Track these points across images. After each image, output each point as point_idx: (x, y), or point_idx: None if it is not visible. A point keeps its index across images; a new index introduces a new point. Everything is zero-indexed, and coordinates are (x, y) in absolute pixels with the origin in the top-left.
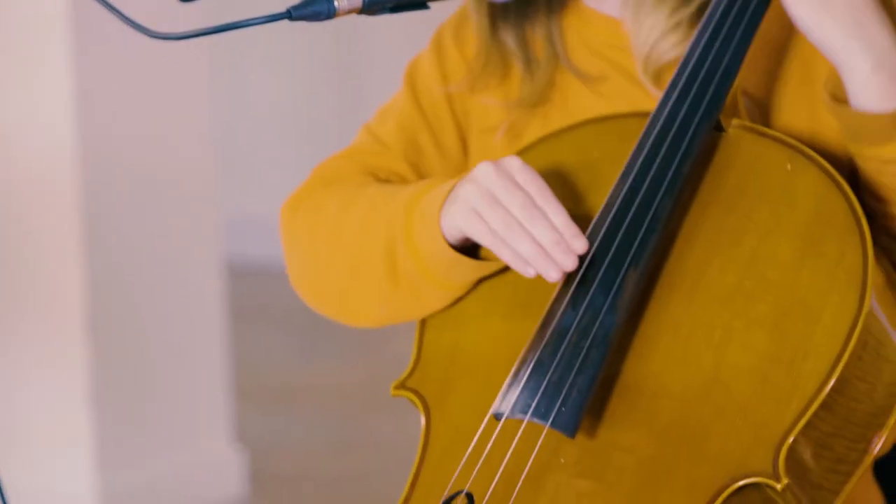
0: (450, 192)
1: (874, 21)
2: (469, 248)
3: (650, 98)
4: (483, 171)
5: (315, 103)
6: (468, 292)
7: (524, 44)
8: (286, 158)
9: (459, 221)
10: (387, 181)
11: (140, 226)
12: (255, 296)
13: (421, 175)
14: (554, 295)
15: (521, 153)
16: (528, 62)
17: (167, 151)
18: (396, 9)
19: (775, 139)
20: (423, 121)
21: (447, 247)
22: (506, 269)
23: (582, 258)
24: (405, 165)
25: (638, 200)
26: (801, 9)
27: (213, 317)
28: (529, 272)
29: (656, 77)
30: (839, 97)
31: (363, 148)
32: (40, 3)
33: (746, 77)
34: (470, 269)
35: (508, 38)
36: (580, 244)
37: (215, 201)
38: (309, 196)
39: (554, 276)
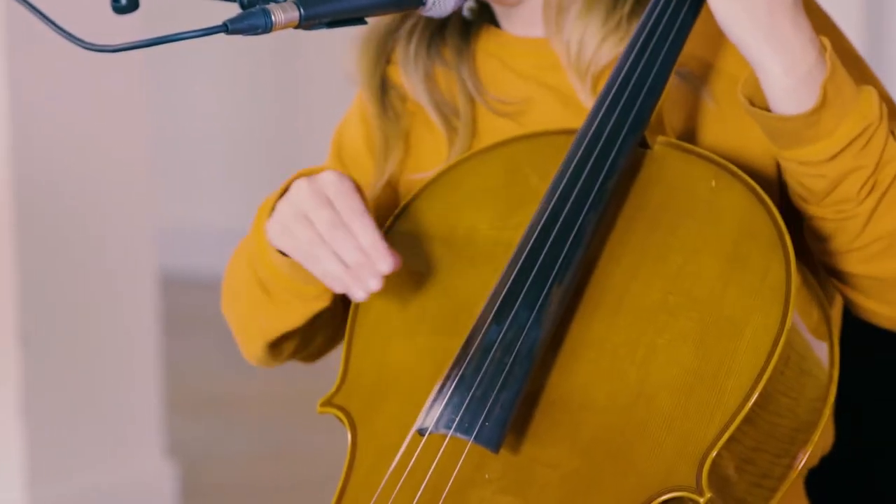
0: (273, 205)
1: (791, 24)
2: None
3: (581, 118)
4: (296, 187)
5: (252, 114)
6: (394, 308)
7: (436, 95)
8: (221, 169)
9: (273, 238)
10: None
11: (73, 235)
12: (188, 306)
13: None
14: (480, 311)
15: (450, 169)
16: (446, 117)
17: (102, 161)
18: (333, 24)
19: (700, 156)
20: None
21: (282, 256)
22: (429, 284)
23: (507, 275)
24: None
25: (563, 216)
26: (721, 6)
27: (145, 327)
28: (338, 289)
29: (596, 86)
30: (756, 100)
31: None
32: None
33: (672, 95)
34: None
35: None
36: (385, 264)
37: (149, 211)
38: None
39: (360, 295)
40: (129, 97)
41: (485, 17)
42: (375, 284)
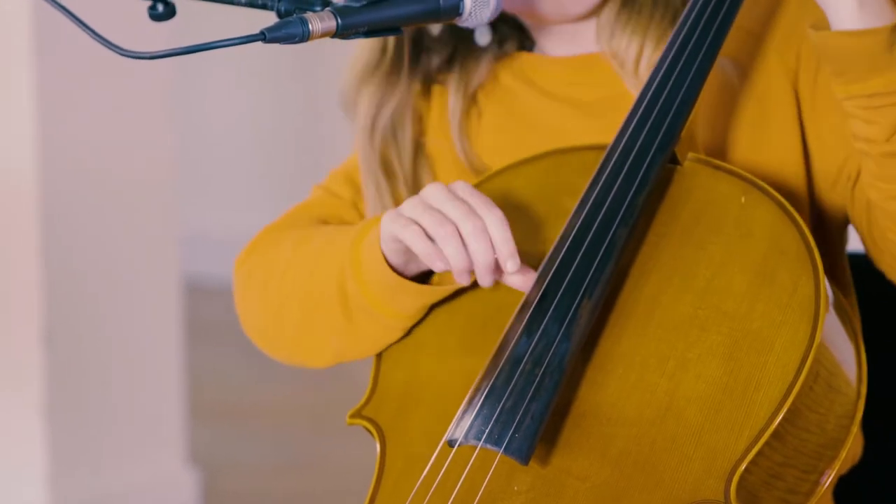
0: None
1: None
2: (415, 278)
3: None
4: (429, 188)
5: (275, 122)
6: (424, 321)
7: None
8: (245, 177)
9: (394, 228)
10: None
11: (98, 241)
12: (211, 314)
13: None
14: (509, 323)
15: (478, 185)
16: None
17: (127, 168)
18: (370, 33)
19: (730, 172)
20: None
21: (389, 271)
22: (459, 297)
23: (536, 288)
24: (356, 214)
25: (593, 231)
26: None
27: (168, 334)
28: (442, 268)
29: None
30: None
31: (314, 201)
32: (2, 20)
33: (704, 105)
34: (415, 294)
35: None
36: (512, 263)
37: (174, 218)
38: (260, 245)
39: (465, 280)
40: (155, 105)
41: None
42: (489, 281)
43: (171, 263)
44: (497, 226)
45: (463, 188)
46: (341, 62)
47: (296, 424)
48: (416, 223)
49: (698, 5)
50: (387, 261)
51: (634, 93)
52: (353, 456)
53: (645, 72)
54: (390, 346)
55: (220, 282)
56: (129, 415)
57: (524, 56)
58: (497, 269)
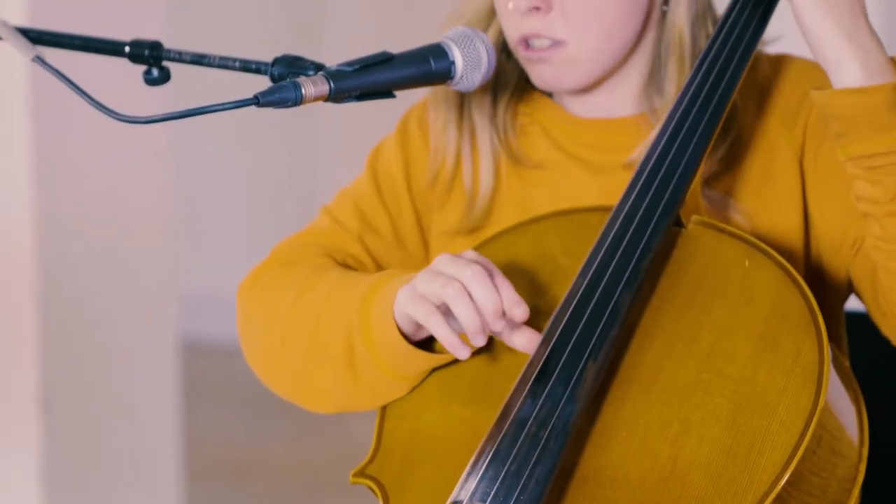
0: (406, 283)
1: (866, 25)
2: (424, 341)
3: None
4: (439, 259)
5: (272, 182)
6: (429, 378)
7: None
8: (242, 237)
9: (406, 305)
10: (343, 263)
11: (96, 300)
12: (209, 372)
13: (376, 258)
14: (514, 386)
15: (481, 246)
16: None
17: (125, 227)
18: (363, 97)
19: (734, 235)
20: (382, 207)
21: (401, 339)
22: (460, 361)
23: (541, 351)
24: (361, 248)
25: (598, 294)
26: (807, 7)
27: (166, 393)
28: (478, 340)
29: None
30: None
31: (321, 229)
32: (1, 82)
33: (709, 168)
34: (423, 360)
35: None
36: (520, 311)
37: (172, 277)
38: (266, 276)
39: (479, 341)
40: (153, 164)
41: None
42: (499, 326)
43: (169, 322)
44: (501, 277)
45: (470, 253)
46: (334, 121)
47: (294, 483)
48: (432, 301)
49: (702, 70)
50: (398, 328)
51: None
52: None
53: None
54: (394, 402)
55: (218, 340)
56: (127, 474)
57: (545, 103)
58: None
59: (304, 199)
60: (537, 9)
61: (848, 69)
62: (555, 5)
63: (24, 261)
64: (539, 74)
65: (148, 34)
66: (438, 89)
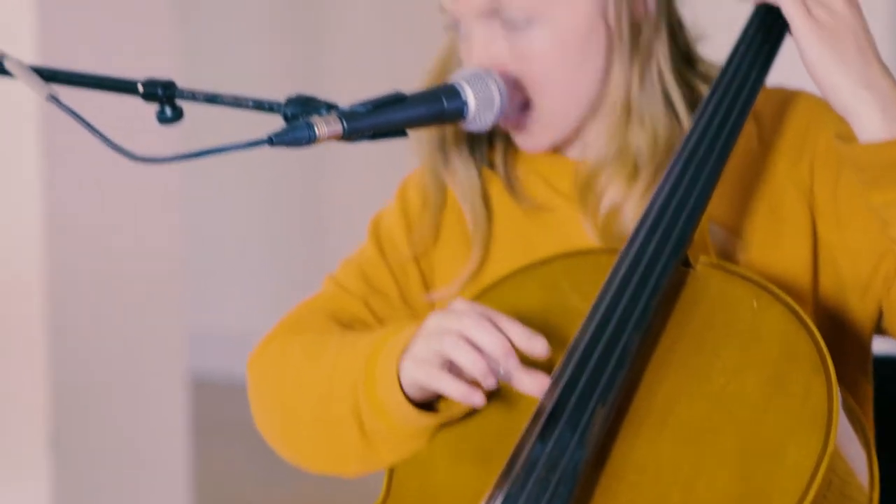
0: (405, 347)
1: (878, 64)
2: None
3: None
4: (430, 318)
5: (280, 220)
6: (437, 435)
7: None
8: (250, 275)
9: (411, 372)
10: (349, 326)
11: (105, 338)
12: (218, 411)
13: (381, 320)
14: (524, 429)
15: (489, 289)
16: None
17: (134, 265)
18: (375, 137)
19: (742, 276)
20: (387, 270)
21: (406, 403)
22: (471, 413)
23: (550, 394)
24: (366, 311)
25: (606, 337)
26: (815, 57)
27: (175, 431)
28: (489, 382)
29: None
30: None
31: (326, 296)
32: (10, 120)
33: (716, 207)
34: (430, 418)
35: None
36: (541, 346)
37: (181, 315)
38: (273, 345)
39: (491, 383)
40: (164, 202)
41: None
42: (514, 364)
43: (179, 360)
44: (503, 318)
45: (458, 304)
46: (345, 160)
47: None
48: (435, 362)
49: (708, 110)
50: (404, 393)
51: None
52: None
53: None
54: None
55: (227, 378)
56: None
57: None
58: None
59: (313, 238)
60: None
61: (868, 118)
62: (510, 71)
63: (34, 297)
64: (521, 143)
65: (155, 71)
66: (426, 139)
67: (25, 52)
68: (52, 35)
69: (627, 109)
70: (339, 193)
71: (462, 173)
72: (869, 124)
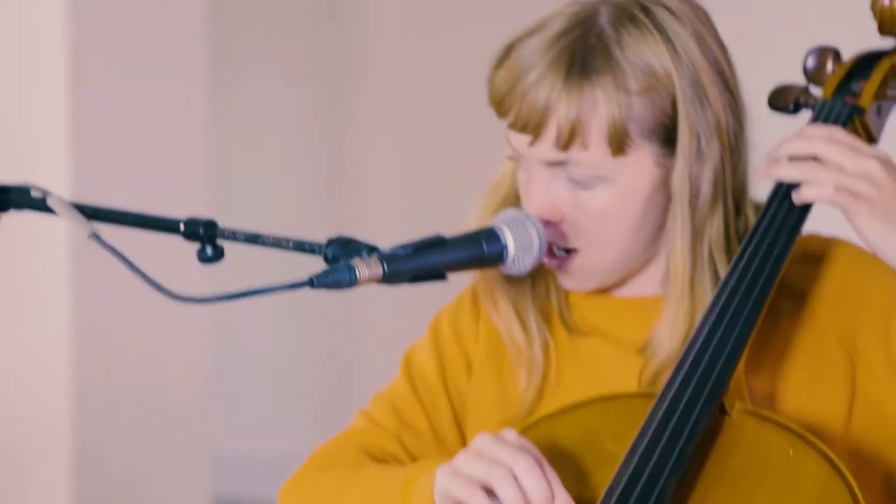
0: (444, 465)
1: None
2: None
3: (630, 363)
4: (478, 438)
5: (304, 346)
6: None
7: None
8: (274, 397)
9: (447, 483)
10: (382, 461)
11: (129, 460)
12: None
13: (414, 456)
14: None
15: (524, 431)
16: (531, 341)
17: (159, 388)
18: (415, 279)
19: (777, 424)
20: (419, 406)
21: None
22: None
23: None
24: (399, 446)
25: (642, 482)
26: (876, 236)
27: None
28: None
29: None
30: None
31: (357, 430)
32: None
33: (753, 354)
34: None
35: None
36: None
37: (205, 438)
38: (305, 479)
39: None
40: (189, 327)
41: None
42: None
43: (203, 483)
44: (549, 469)
45: (511, 435)
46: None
47: None
48: (475, 481)
49: (745, 257)
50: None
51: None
52: None
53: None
54: None
55: (252, 500)
56: None
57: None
58: None
59: (337, 363)
60: (549, 221)
61: None
62: (566, 218)
63: (60, 421)
64: (562, 282)
65: (189, 208)
66: (485, 280)
67: (59, 182)
68: (86, 168)
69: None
70: (366, 321)
71: (530, 312)
72: None
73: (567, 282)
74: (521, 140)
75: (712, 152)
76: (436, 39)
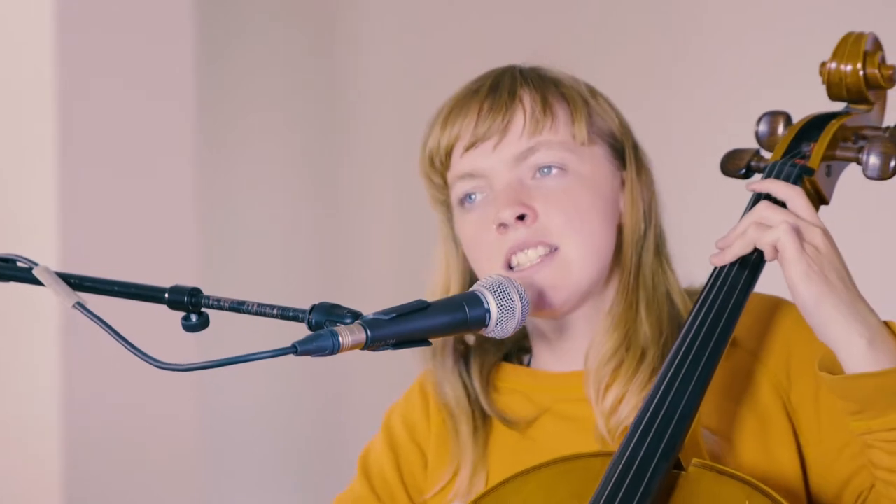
0: None
1: (861, 297)
2: None
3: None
4: None
5: (293, 411)
6: None
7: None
8: (260, 462)
9: None
10: None
11: None
12: None
13: None
14: None
15: (487, 494)
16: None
17: (150, 454)
18: (399, 345)
19: (734, 477)
20: (377, 502)
21: None
22: None
23: None
24: None
25: None
26: (806, 294)
27: None
28: None
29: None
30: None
31: None
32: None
33: (706, 412)
34: None
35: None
36: None
37: (194, 502)
38: None
39: None
40: (181, 394)
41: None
42: None
43: None
44: None
45: None
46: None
47: None
48: None
49: (698, 320)
50: None
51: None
52: None
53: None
54: None
55: None
56: None
57: (519, 371)
58: None
59: (328, 429)
60: (521, 218)
61: (857, 350)
62: (539, 213)
63: (51, 486)
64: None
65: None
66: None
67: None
68: (74, 236)
69: (635, 294)
70: (357, 386)
71: (451, 392)
72: (858, 356)
73: (545, 280)
74: (480, 153)
75: (647, 187)
76: (429, 84)
